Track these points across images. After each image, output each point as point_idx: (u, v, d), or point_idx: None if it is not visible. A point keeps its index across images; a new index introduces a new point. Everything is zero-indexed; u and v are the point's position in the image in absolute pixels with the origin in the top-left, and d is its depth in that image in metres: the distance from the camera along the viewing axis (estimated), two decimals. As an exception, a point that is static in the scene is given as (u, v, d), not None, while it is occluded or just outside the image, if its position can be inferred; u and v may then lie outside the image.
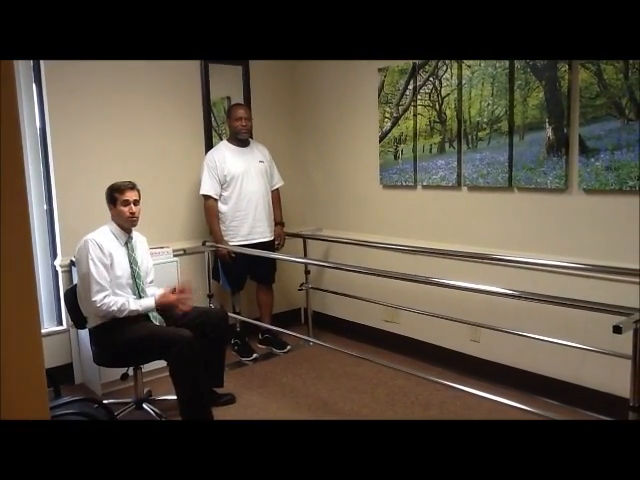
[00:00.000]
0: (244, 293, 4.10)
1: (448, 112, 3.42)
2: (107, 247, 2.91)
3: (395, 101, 3.74)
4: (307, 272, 4.27)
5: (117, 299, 2.86)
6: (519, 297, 2.57)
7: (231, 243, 3.86)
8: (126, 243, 3.02)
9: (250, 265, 3.91)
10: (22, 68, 3.41)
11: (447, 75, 3.40)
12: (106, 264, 2.89)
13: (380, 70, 3.79)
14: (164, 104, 3.88)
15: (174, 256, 3.73)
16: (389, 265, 3.48)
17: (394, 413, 3.10)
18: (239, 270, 3.93)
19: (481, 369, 3.37)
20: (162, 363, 3.00)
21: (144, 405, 3.10)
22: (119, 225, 3.01)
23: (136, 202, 3.00)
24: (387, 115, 3.81)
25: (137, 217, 3.01)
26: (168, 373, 2.85)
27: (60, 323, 3.64)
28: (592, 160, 2.78)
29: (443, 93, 3.44)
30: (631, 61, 2.60)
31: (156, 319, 2.99)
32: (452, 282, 2.66)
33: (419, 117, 3.60)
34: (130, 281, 2.99)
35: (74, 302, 3.03)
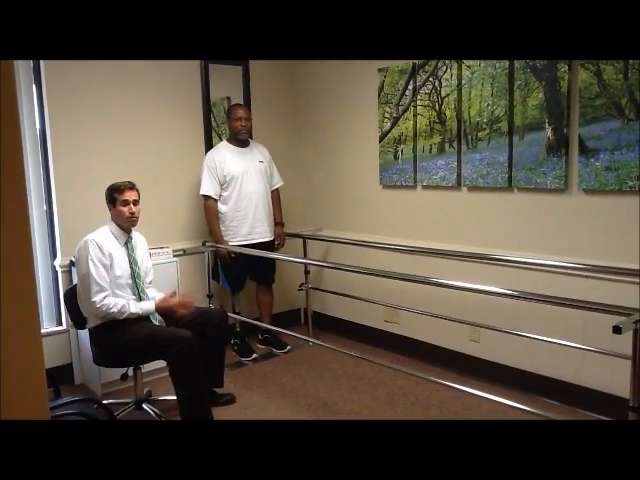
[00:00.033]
0: (244, 293, 4.10)
1: (448, 112, 3.43)
2: (107, 247, 2.91)
3: (395, 101, 3.74)
4: (307, 272, 4.27)
5: (117, 301, 2.86)
6: (519, 297, 2.57)
7: (231, 243, 3.86)
8: (126, 243, 3.02)
9: (250, 265, 3.91)
10: (22, 69, 3.41)
11: (447, 75, 3.40)
12: (106, 264, 2.89)
13: (380, 70, 3.80)
14: (164, 104, 3.88)
15: (174, 256, 3.73)
16: (389, 265, 3.48)
17: (394, 413, 3.10)
18: (239, 270, 3.93)
19: (481, 369, 3.37)
20: (162, 363, 3.00)
21: (144, 405, 3.10)
22: (119, 225, 3.01)
23: (135, 202, 3.00)
24: (387, 115, 3.81)
25: (137, 217, 3.01)
26: (168, 373, 2.85)
27: (60, 323, 3.64)
28: (592, 160, 2.78)
29: (443, 93, 3.44)
30: (631, 61, 2.60)
31: (156, 319, 2.99)
32: (452, 282, 2.66)
33: (419, 117, 3.60)
34: (130, 281, 2.99)
35: (74, 302, 3.03)
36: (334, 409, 3.18)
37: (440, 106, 3.47)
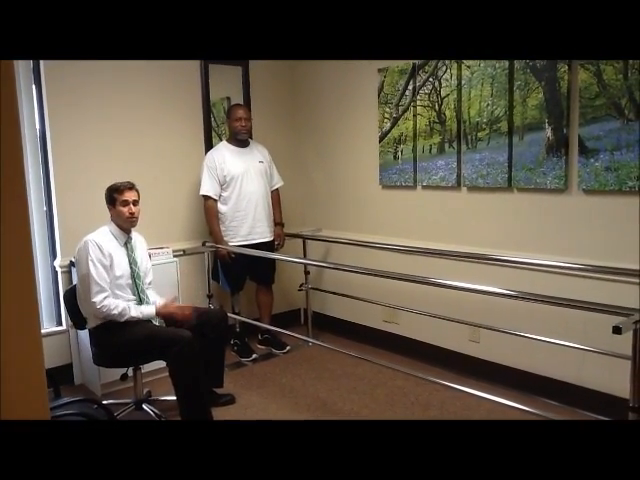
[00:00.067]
0: (244, 293, 4.10)
1: (448, 112, 3.43)
2: (107, 248, 2.91)
3: (395, 101, 3.74)
4: (307, 272, 4.27)
5: (118, 303, 2.86)
6: (518, 297, 2.57)
7: (231, 243, 3.86)
8: (125, 243, 3.02)
9: (250, 265, 3.91)
10: (22, 69, 3.41)
11: (447, 75, 3.40)
12: (106, 265, 2.89)
13: (380, 70, 3.80)
14: (164, 104, 3.89)
15: (174, 256, 3.73)
16: (388, 265, 3.48)
17: (393, 413, 3.10)
18: (239, 270, 3.93)
19: (480, 369, 3.37)
20: (162, 363, 3.00)
21: (144, 405, 3.10)
22: (118, 226, 3.01)
23: (135, 202, 2.99)
24: (387, 115, 3.81)
25: (136, 217, 3.01)
26: (168, 373, 2.85)
27: (60, 323, 3.64)
28: (592, 160, 2.78)
29: (443, 93, 3.44)
30: (630, 61, 2.60)
31: (155, 319, 2.99)
32: (451, 282, 2.66)
33: (419, 117, 3.60)
34: (130, 281, 2.99)
35: (74, 303, 3.03)
36: (334, 409, 3.18)
37: (440, 106, 3.47)
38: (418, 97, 3.58)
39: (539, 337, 2.95)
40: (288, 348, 4.09)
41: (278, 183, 4.12)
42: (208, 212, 3.86)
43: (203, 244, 3.93)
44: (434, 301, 3.50)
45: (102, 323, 2.87)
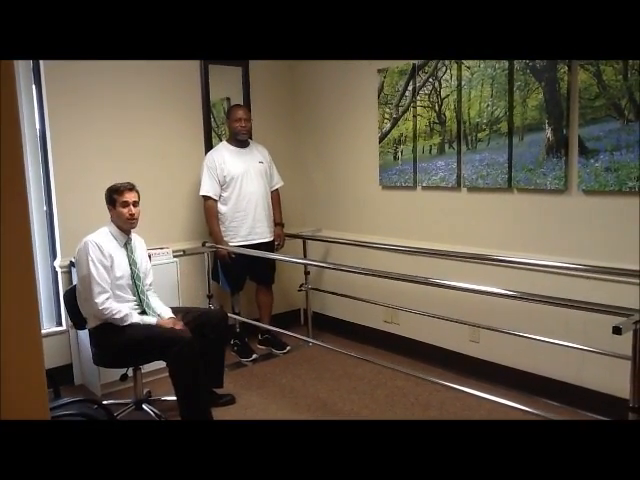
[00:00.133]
0: (244, 294, 4.10)
1: (448, 113, 3.43)
2: (107, 248, 2.91)
3: (395, 102, 3.74)
4: (307, 273, 4.28)
5: (121, 307, 2.85)
6: (518, 298, 2.57)
7: (231, 244, 3.86)
8: (125, 244, 3.02)
9: (250, 266, 3.91)
10: (22, 70, 3.41)
11: (447, 76, 3.40)
12: (106, 265, 2.88)
13: (380, 71, 3.80)
14: (164, 105, 3.89)
15: (174, 257, 3.73)
16: (389, 266, 3.48)
17: (394, 414, 3.10)
18: (239, 271, 3.93)
19: (481, 370, 3.37)
20: (162, 363, 3.00)
21: (144, 406, 3.10)
22: (118, 227, 3.00)
23: (135, 203, 2.99)
24: (387, 116, 3.81)
25: (136, 219, 3.00)
26: (168, 373, 2.85)
27: (60, 324, 3.64)
28: (591, 161, 2.78)
29: (443, 94, 3.44)
30: (630, 62, 2.60)
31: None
32: (452, 283, 2.66)
33: (419, 118, 3.60)
34: (130, 282, 2.99)
35: (74, 303, 3.03)
36: (334, 409, 3.18)
37: (440, 107, 3.47)
38: (418, 98, 3.58)
39: (539, 337, 2.95)
40: (288, 348, 4.09)
41: (278, 183, 4.12)
42: (208, 212, 3.86)
43: (203, 244, 3.93)
44: (434, 301, 3.50)
45: (102, 323, 2.87)
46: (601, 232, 2.81)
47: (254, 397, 3.36)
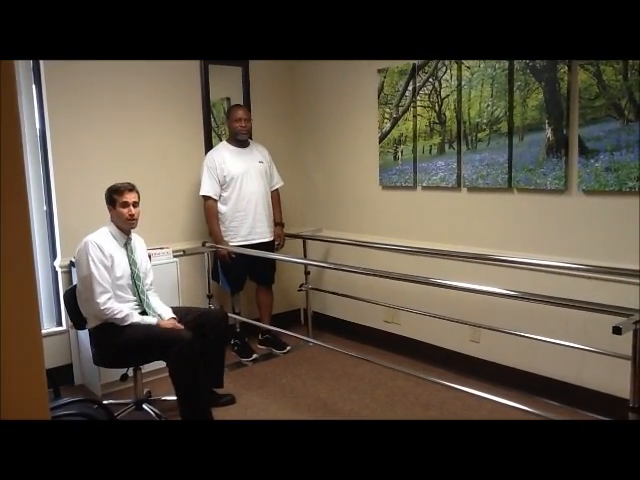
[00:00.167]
0: (244, 294, 4.10)
1: (448, 113, 3.43)
2: (107, 248, 2.91)
3: (395, 102, 3.74)
4: (307, 273, 4.28)
5: (122, 307, 2.85)
6: (518, 298, 2.57)
7: (231, 244, 3.86)
8: (125, 244, 3.02)
9: (250, 266, 3.91)
10: (22, 69, 3.41)
11: (447, 76, 3.40)
12: (107, 265, 2.88)
13: (380, 71, 3.80)
14: (164, 105, 3.89)
15: (174, 257, 3.73)
16: (389, 266, 3.48)
17: (394, 414, 3.10)
18: (239, 271, 3.93)
19: (481, 370, 3.37)
20: (162, 363, 3.00)
21: (144, 406, 3.10)
22: (118, 227, 3.00)
23: (135, 204, 2.99)
24: (387, 116, 3.81)
25: (136, 219, 3.00)
26: (168, 373, 2.85)
27: (60, 324, 3.64)
28: (592, 161, 2.78)
29: (443, 94, 3.44)
30: (630, 62, 2.60)
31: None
32: (452, 283, 2.66)
33: (419, 118, 3.60)
34: (130, 282, 2.99)
35: (74, 303, 3.03)
36: (334, 409, 3.18)
37: (440, 107, 3.47)
38: (418, 98, 3.58)
39: (539, 337, 2.95)
40: (288, 348, 4.09)
41: (278, 183, 4.12)
42: (208, 212, 3.86)
43: (203, 244, 3.93)
44: (435, 301, 3.49)
45: (102, 323, 2.87)
46: (601, 232, 2.81)
47: (254, 397, 3.36)
